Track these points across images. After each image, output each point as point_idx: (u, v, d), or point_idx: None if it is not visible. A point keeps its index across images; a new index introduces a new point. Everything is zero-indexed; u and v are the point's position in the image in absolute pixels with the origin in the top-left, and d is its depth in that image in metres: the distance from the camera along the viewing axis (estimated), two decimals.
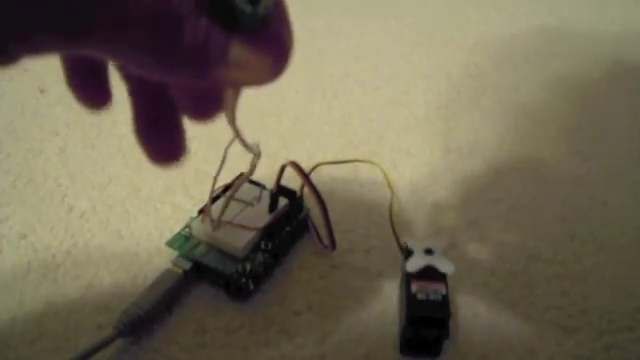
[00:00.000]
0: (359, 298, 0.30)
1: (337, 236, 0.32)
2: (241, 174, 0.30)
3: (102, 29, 0.13)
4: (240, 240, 0.29)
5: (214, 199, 0.31)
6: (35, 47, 0.14)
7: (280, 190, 0.32)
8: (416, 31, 0.59)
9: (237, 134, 0.21)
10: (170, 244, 0.30)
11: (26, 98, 0.45)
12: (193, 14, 0.14)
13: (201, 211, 0.31)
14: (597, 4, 0.67)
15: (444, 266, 0.28)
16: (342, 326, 0.28)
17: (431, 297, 0.26)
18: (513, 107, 0.47)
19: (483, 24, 0.62)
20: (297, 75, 0.49)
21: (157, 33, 0.14)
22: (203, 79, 0.15)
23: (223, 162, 0.28)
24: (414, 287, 0.27)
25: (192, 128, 0.21)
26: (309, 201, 0.33)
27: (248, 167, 0.27)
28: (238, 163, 0.29)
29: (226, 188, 0.32)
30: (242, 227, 0.30)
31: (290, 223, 0.32)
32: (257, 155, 0.25)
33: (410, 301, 0.26)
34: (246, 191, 0.32)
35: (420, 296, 0.26)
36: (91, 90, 0.20)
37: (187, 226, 0.31)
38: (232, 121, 0.20)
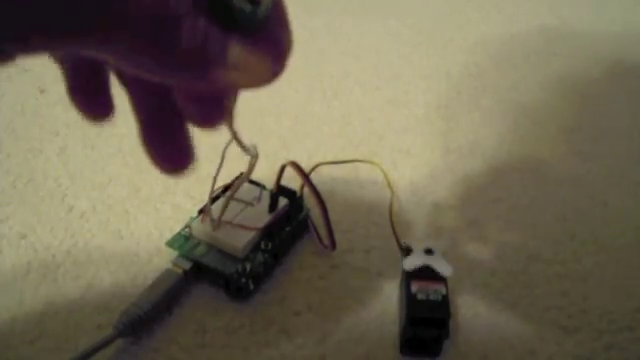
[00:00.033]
0: (359, 298, 0.30)
1: (337, 236, 0.32)
2: (241, 174, 0.30)
3: (100, 29, 0.13)
4: (240, 240, 0.29)
5: (214, 199, 0.31)
6: (33, 46, 0.14)
7: (280, 190, 0.32)
8: (416, 31, 0.59)
9: (234, 136, 0.21)
10: (170, 244, 0.30)
11: (26, 98, 0.45)
12: (191, 14, 0.14)
13: (201, 211, 0.31)
14: (597, 4, 0.67)
15: (442, 268, 0.28)
16: (342, 326, 0.28)
17: (431, 297, 0.26)
18: (513, 107, 0.47)
19: (483, 24, 0.62)
20: (297, 75, 0.49)
21: (155, 33, 0.14)
22: (201, 81, 0.15)
23: (222, 162, 0.28)
24: (414, 287, 0.27)
25: (191, 128, 0.20)
26: (309, 201, 0.33)
27: (247, 167, 0.27)
28: (238, 163, 0.29)
29: (226, 188, 0.32)
30: (242, 227, 0.30)
31: (290, 223, 0.32)
32: (254, 157, 0.25)
33: (410, 301, 0.26)
34: (246, 191, 0.32)
35: (420, 296, 0.26)
36: (93, 102, 0.20)
37: (187, 226, 0.31)
38: (230, 123, 0.20)
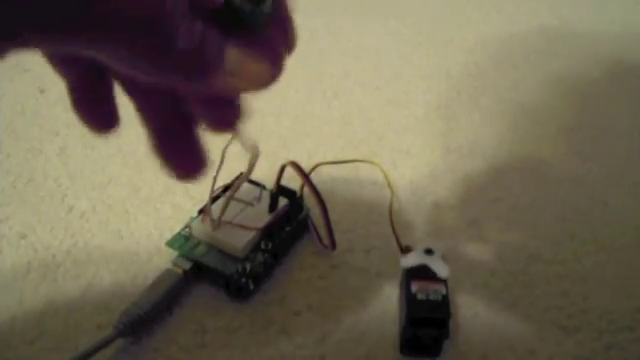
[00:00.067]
0: (359, 298, 0.30)
1: (337, 236, 0.32)
2: (241, 174, 0.30)
3: (92, 28, 0.13)
4: (240, 240, 0.29)
5: (214, 199, 0.31)
6: (24, 43, 0.13)
7: (280, 190, 0.32)
8: (416, 31, 0.59)
9: (235, 133, 0.21)
10: (170, 244, 0.30)
11: (26, 98, 0.45)
12: (187, 16, 0.14)
13: (201, 211, 0.31)
14: (597, 4, 0.67)
15: (440, 269, 0.28)
16: (342, 326, 0.28)
17: (431, 297, 0.26)
18: (513, 107, 0.47)
19: (483, 24, 0.62)
20: (297, 75, 0.49)
21: (150, 34, 0.14)
22: (199, 84, 0.15)
23: (222, 162, 0.28)
24: (414, 287, 0.27)
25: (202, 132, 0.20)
26: (309, 201, 0.33)
27: (247, 167, 0.27)
28: (237, 163, 0.29)
29: (226, 188, 0.32)
30: (242, 227, 0.30)
31: (290, 223, 0.32)
32: (256, 155, 0.25)
33: (410, 301, 0.26)
34: (246, 191, 0.32)
35: (420, 296, 0.26)
36: (98, 114, 0.20)
37: (187, 226, 0.31)
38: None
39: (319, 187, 0.31)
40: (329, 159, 0.39)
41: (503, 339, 0.28)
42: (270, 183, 0.32)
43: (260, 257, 0.29)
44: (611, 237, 0.34)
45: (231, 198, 0.30)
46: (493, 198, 0.37)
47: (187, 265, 0.29)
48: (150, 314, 0.27)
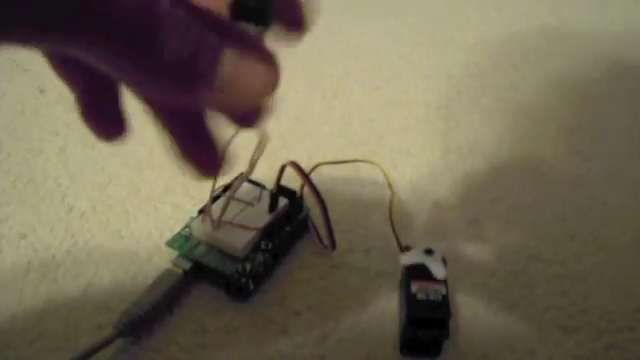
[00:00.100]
0: (359, 298, 0.30)
1: (337, 236, 0.32)
2: (241, 174, 0.30)
3: (72, 27, 0.13)
4: (240, 240, 0.29)
5: (214, 199, 0.31)
6: (8, 38, 0.13)
7: (280, 190, 0.32)
8: (416, 31, 0.59)
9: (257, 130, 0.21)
10: (170, 244, 0.30)
11: (26, 98, 0.45)
12: (182, 21, 0.14)
13: (201, 211, 0.31)
14: (597, 4, 0.67)
15: (437, 270, 0.28)
16: (342, 326, 0.28)
17: (431, 297, 0.26)
18: (513, 107, 0.47)
19: (483, 24, 0.62)
20: (297, 75, 0.49)
21: (137, 38, 0.13)
22: (186, 95, 0.15)
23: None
24: (414, 287, 0.27)
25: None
26: (309, 201, 0.33)
27: (247, 167, 0.27)
28: (238, 163, 0.29)
29: (226, 188, 0.32)
30: (242, 227, 0.30)
31: (290, 223, 0.32)
32: (264, 140, 0.25)
33: (410, 301, 0.26)
34: (246, 191, 0.32)
35: (420, 296, 0.26)
36: (107, 123, 0.20)
37: (187, 226, 0.31)
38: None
39: (319, 187, 0.31)
40: (329, 159, 0.39)
41: (503, 339, 0.28)
42: (270, 183, 0.32)
43: (260, 257, 0.29)
44: (611, 237, 0.34)
45: (231, 198, 0.30)
46: (493, 198, 0.37)
47: (187, 265, 0.29)
48: (150, 314, 0.27)
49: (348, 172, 0.38)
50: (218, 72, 0.14)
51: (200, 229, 0.30)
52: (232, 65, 0.14)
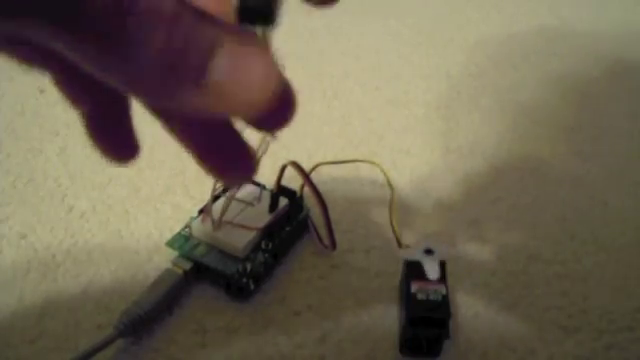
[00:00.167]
0: (359, 298, 0.30)
1: (337, 236, 0.32)
2: None
3: (41, 10, 0.11)
4: (240, 240, 0.29)
5: (214, 199, 0.31)
6: None
7: (280, 190, 0.32)
8: (416, 31, 0.59)
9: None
10: (170, 244, 0.30)
11: (26, 98, 0.45)
12: (169, 12, 0.12)
13: (201, 211, 0.31)
14: (597, 4, 0.67)
15: (431, 271, 0.27)
16: (342, 326, 0.28)
17: (431, 297, 0.26)
18: (513, 107, 0.47)
19: (483, 24, 0.62)
20: (297, 75, 0.49)
21: (109, 24, 0.12)
22: (167, 99, 0.13)
23: None
24: (414, 287, 0.27)
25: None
26: (309, 201, 0.33)
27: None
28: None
29: (226, 188, 0.32)
30: (242, 227, 0.30)
31: (290, 223, 0.32)
32: (268, 139, 0.25)
33: (410, 301, 0.26)
34: (246, 191, 0.32)
35: (420, 296, 0.26)
36: (117, 144, 0.19)
37: (187, 226, 0.31)
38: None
39: (319, 187, 0.31)
40: (329, 159, 0.39)
41: (503, 339, 0.28)
42: (270, 183, 0.32)
43: (260, 257, 0.29)
44: (611, 237, 0.34)
45: (231, 198, 0.30)
46: (493, 198, 0.37)
47: (187, 265, 0.29)
48: (150, 314, 0.27)
49: (348, 172, 0.38)
50: (210, 67, 0.13)
51: (200, 229, 0.30)
52: (227, 60, 0.13)
